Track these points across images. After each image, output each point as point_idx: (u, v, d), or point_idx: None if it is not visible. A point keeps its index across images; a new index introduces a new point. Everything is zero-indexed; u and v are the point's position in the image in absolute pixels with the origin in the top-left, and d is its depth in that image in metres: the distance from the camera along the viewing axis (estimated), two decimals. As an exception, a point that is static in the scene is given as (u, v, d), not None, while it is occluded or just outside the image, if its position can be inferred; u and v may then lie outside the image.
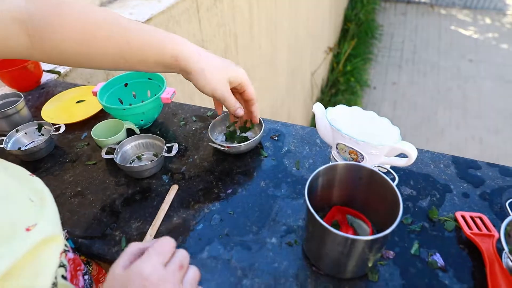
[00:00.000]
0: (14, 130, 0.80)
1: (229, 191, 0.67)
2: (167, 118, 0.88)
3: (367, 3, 5.81)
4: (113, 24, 0.54)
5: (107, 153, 0.73)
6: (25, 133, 0.82)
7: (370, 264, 0.50)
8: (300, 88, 3.66)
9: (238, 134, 0.78)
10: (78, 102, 0.95)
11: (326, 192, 0.57)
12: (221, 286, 0.52)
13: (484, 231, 0.55)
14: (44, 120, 0.85)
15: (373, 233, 0.55)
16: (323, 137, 0.67)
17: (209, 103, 0.87)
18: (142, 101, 0.82)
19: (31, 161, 0.77)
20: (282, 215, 0.62)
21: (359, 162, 0.62)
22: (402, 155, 0.66)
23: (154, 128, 0.85)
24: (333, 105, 0.66)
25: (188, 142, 0.79)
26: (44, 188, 0.45)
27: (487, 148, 3.88)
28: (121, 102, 0.87)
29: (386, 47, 5.53)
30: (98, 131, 0.78)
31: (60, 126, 0.82)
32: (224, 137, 0.79)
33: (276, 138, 0.79)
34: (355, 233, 0.56)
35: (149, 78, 0.87)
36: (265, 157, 0.74)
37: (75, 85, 1.03)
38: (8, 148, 0.76)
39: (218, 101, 0.70)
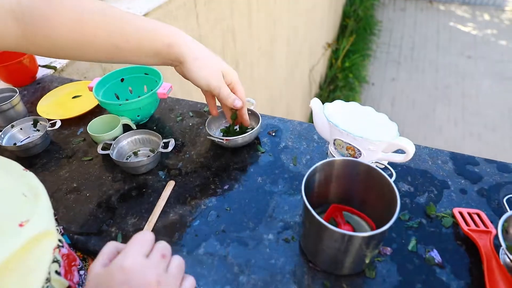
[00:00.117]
0: (9, 125, 0.79)
1: (226, 187, 0.67)
2: (164, 113, 0.87)
3: (366, -1, 5.80)
4: (106, 11, 0.53)
5: (103, 148, 0.73)
6: (21, 129, 0.81)
7: (367, 261, 0.50)
8: (299, 84, 3.66)
9: (236, 129, 0.77)
10: (74, 97, 0.94)
11: (323, 188, 0.57)
12: (218, 283, 0.52)
13: (482, 227, 0.55)
14: (40, 116, 0.84)
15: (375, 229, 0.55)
16: (320, 132, 0.67)
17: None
18: (139, 97, 0.82)
19: (26, 157, 0.76)
20: (279, 211, 0.62)
21: (356, 158, 0.61)
22: (400, 151, 0.66)
23: (151, 123, 0.85)
24: (332, 101, 0.65)
25: (185, 138, 0.79)
26: (38, 184, 0.45)
27: (485, 145, 3.89)
28: (118, 98, 0.86)
29: (384, 43, 5.52)
30: (94, 127, 0.77)
31: (56, 122, 0.81)
32: (221, 133, 0.78)
33: (274, 134, 0.78)
34: (353, 230, 0.56)
35: (145, 73, 0.86)
36: (262, 153, 0.74)
37: (71, 80, 1.02)
38: (3, 143, 0.76)
39: (212, 97, 0.69)
